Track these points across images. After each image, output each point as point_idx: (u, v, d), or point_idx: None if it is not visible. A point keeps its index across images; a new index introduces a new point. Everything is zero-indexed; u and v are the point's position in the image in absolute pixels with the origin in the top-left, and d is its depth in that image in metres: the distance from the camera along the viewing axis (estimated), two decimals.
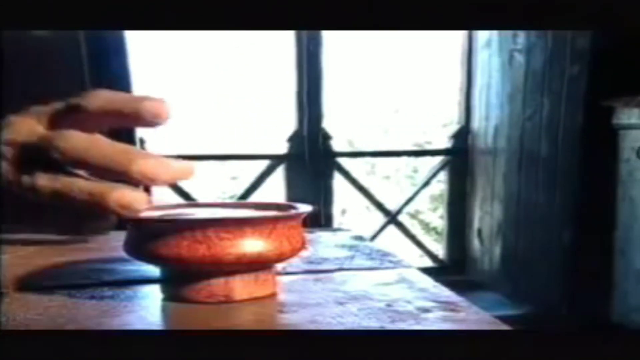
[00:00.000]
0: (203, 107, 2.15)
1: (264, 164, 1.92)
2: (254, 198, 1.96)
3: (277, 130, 1.97)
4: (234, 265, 0.35)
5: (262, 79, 2.14)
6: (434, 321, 0.32)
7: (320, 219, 1.90)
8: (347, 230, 0.61)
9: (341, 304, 0.36)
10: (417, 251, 2.20)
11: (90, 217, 0.36)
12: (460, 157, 2.08)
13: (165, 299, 0.37)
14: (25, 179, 0.35)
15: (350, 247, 0.52)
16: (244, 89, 2.19)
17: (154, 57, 1.82)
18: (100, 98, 0.37)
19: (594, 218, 1.62)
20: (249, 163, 2.02)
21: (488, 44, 1.92)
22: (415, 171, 3.00)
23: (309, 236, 0.58)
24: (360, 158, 2.53)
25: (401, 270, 0.44)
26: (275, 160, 1.91)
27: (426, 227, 3.11)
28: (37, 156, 0.35)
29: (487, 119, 1.95)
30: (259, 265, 0.36)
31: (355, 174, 2.08)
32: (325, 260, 0.48)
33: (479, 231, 2.03)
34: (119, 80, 1.59)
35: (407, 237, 2.19)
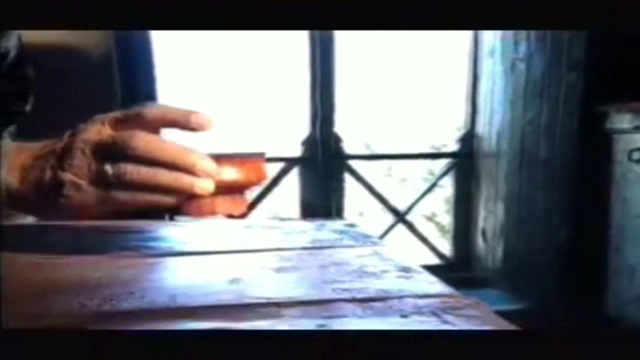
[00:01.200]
0: (219, 108, 2.27)
1: (278, 166, 2.04)
2: (270, 199, 2.08)
3: (292, 134, 2.09)
4: (217, 188, 0.49)
5: (276, 82, 2.26)
6: (390, 279, 0.44)
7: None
8: (343, 219, 0.73)
9: (325, 267, 0.48)
10: (426, 250, 2.31)
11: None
12: (465, 160, 2.18)
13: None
14: (109, 167, 0.47)
15: (341, 232, 0.64)
16: (258, 91, 2.31)
17: (172, 60, 1.95)
18: (159, 109, 0.49)
19: (590, 217, 1.71)
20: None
21: (492, 52, 2.02)
22: (432, 173, 3.09)
23: (307, 225, 0.70)
24: (377, 161, 2.63)
25: (376, 248, 0.55)
26: (290, 163, 2.03)
27: (442, 229, 3.20)
28: (111, 153, 0.47)
29: (491, 123, 2.05)
30: (233, 189, 0.51)
31: (371, 176, 2.20)
32: (319, 240, 0.60)
33: (483, 230, 2.13)
34: (146, 81, 1.72)
35: (416, 237, 2.30)
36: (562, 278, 1.78)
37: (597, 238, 1.69)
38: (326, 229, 0.66)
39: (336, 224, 0.69)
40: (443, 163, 2.29)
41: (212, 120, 0.51)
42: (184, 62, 2.07)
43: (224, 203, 0.51)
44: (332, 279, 0.44)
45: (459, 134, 2.23)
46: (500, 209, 2.03)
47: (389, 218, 2.26)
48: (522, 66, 1.88)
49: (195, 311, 0.37)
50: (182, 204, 0.50)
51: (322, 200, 2.05)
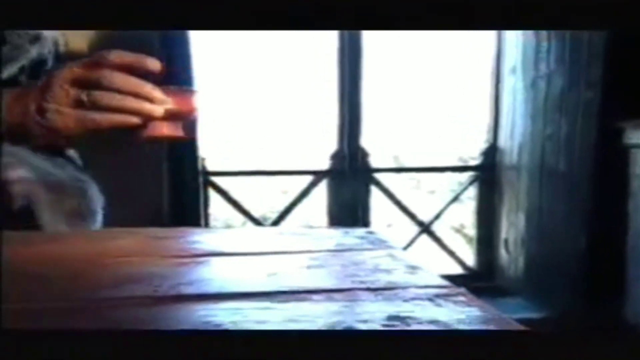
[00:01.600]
0: (251, 123, 2.40)
1: (308, 179, 2.15)
2: (299, 211, 2.19)
3: (320, 148, 2.20)
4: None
5: (306, 98, 2.37)
6: (398, 274, 0.54)
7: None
8: (365, 228, 0.83)
9: (346, 265, 0.58)
10: (451, 260, 2.38)
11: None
12: (488, 173, 2.26)
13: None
14: (84, 95, 0.62)
15: (362, 238, 0.74)
16: (289, 106, 2.43)
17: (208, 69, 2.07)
18: (119, 54, 0.65)
19: (609, 227, 1.77)
20: (295, 178, 2.26)
21: (513, 70, 2.10)
22: (460, 185, 3.16)
23: (333, 232, 0.79)
24: (405, 173, 2.72)
25: (390, 251, 0.65)
26: (319, 175, 2.14)
27: (470, 241, 3.27)
28: (85, 85, 0.61)
29: (512, 137, 2.13)
30: (173, 116, 0.67)
31: (400, 188, 2.29)
32: (343, 244, 0.70)
33: (506, 241, 2.20)
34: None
35: (440, 247, 2.38)
36: (581, 287, 1.84)
37: (615, 247, 1.75)
38: (349, 235, 0.76)
39: (358, 232, 0.79)
40: (470, 175, 2.37)
41: (162, 67, 0.67)
42: (219, 75, 2.19)
43: (169, 127, 0.67)
44: (352, 274, 0.55)
45: (482, 147, 2.31)
46: (521, 219, 2.10)
47: (417, 229, 2.35)
48: (542, 84, 1.95)
49: (243, 296, 0.48)
50: (139, 126, 0.66)
51: (349, 212, 2.15)
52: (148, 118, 0.66)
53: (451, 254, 2.37)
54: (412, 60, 2.44)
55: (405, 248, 2.22)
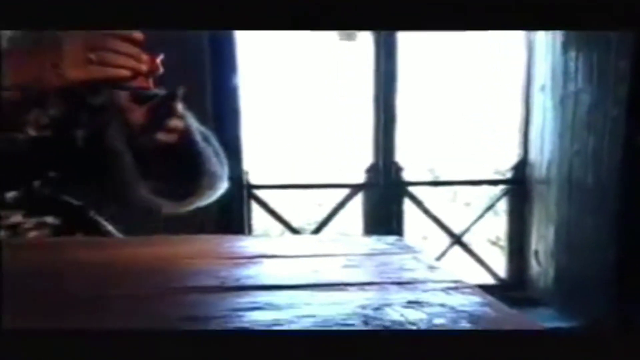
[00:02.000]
0: (289, 138, 2.54)
1: (344, 192, 2.27)
2: (335, 223, 2.31)
3: (356, 161, 2.32)
4: None
5: (342, 112, 2.50)
6: (419, 272, 0.65)
7: None
8: (395, 236, 0.95)
9: (377, 265, 0.70)
10: (483, 270, 2.46)
11: None
12: (519, 186, 2.34)
13: None
14: (93, 55, 0.85)
15: (391, 244, 0.85)
16: (328, 122, 2.56)
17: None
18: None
19: (636, 239, 1.84)
20: (331, 191, 2.38)
21: (543, 88, 2.19)
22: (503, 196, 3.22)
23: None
24: (440, 186, 2.81)
25: (415, 254, 0.76)
26: (354, 189, 2.25)
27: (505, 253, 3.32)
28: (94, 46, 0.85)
29: (542, 153, 2.20)
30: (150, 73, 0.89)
31: (436, 201, 2.39)
32: (375, 249, 0.82)
33: (536, 252, 2.27)
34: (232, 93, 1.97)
35: (473, 258, 2.46)
36: (611, 297, 1.90)
37: None
38: (380, 242, 0.87)
39: (388, 239, 0.91)
40: (505, 188, 2.45)
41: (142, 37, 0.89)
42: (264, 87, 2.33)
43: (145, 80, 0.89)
44: (381, 272, 0.66)
45: (513, 161, 2.39)
46: (551, 232, 2.17)
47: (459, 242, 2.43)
48: (570, 101, 2.03)
49: (293, 287, 0.60)
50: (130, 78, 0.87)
51: (383, 224, 2.26)
52: (136, 73, 0.88)
53: (483, 264, 2.44)
54: (446, 75, 2.54)
55: (438, 259, 2.31)
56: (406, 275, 0.64)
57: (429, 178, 2.83)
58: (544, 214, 2.22)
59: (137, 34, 0.91)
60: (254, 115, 2.13)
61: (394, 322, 0.48)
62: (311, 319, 0.49)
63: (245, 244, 0.88)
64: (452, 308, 0.51)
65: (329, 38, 2.29)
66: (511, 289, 2.35)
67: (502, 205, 2.48)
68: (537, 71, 2.21)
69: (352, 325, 0.48)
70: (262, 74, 2.20)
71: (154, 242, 1.01)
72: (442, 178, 2.91)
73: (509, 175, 2.39)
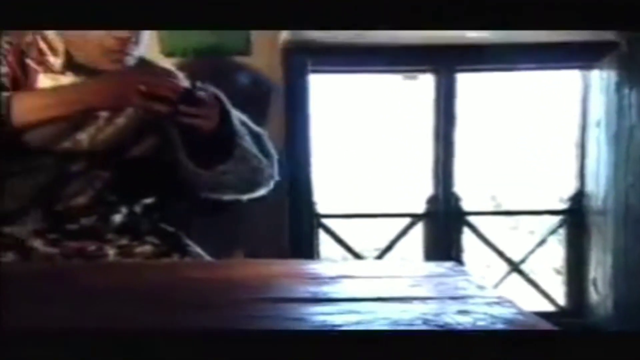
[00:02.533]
0: (354, 169, 2.73)
1: (405, 221, 2.42)
2: (395, 252, 2.46)
3: (417, 192, 2.47)
4: None
5: (404, 145, 2.66)
6: (469, 290, 0.81)
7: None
8: (452, 262, 1.10)
9: (435, 285, 0.86)
10: (542, 298, 2.53)
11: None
12: (576, 216, 2.42)
13: None
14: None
15: (448, 268, 1.02)
16: (389, 153, 2.73)
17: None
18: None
19: None
20: (393, 220, 2.53)
21: (598, 123, 2.29)
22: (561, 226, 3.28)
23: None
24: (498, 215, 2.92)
25: (467, 277, 0.92)
26: (415, 218, 2.40)
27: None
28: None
29: (598, 184, 2.29)
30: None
31: (499, 229, 2.51)
32: (434, 272, 0.98)
33: (594, 280, 2.34)
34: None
35: (532, 286, 2.54)
36: None
37: None
38: (439, 267, 1.04)
39: (446, 264, 1.07)
40: (563, 218, 2.53)
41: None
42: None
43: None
44: (439, 289, 0.83)
45: (571, 192, 2.48)
46: (609, 260, 2.24)
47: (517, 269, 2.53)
48: (624, 137, 2.13)
49: (367, 300, 0.77)
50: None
51: (443, 252, 2.39)
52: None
53: (542, 292, 2.52)
54: (504, 110, 2.68)
55: (496, 285, 2.42)
56: (459, 292, 0.80)
57: (491, 206, 2.94)
58: (601, 243, 2.29)
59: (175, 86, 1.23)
60: (323, 151, 2.33)
61: (446, 324, 0.65)
62: (385, 321, 0.67)
63: (324, 267, 1.06)
64: (492, 315, 0.67)
65: (393, 79, 2.48)
66: (571, 316, 2.42)
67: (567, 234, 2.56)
68: (592, 107, 2.31)
69: (415, 325, 0.65)
70: (331, 111, 2.41)
71: (241, 264, 1.22)
72: (504, 206, 3.00)
73: (566, 205, 2.48)
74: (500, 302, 0.73)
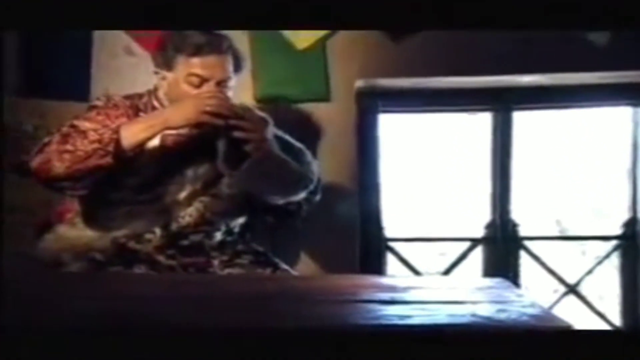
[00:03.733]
0: (418, 196, 2.98)
1: (465, 245, 2.64)
2: (456, 273, 2.67)
3: (477, 218, 2.69)
4: None
5: (465, 175, 2.89)
6: (510, 297, 1.07)
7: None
8: (500, 278, 1.35)
9: (484, 293, 1.12)
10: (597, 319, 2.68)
11: None
12: (629, 242, 2.58)
13: None
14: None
15: (497, 282, 1.26)
16: (450, 182, 2.96)
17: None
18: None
19: None
20: (454, 244, 2.76)
21: None
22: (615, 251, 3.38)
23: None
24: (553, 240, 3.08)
25: (512, 288, 1.17)
26: (474, 242, 2.62)
27: None
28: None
29: None
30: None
31: (564, 256, 2.69)
32: (484, 285, 1.23)
33: None
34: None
35: (589, 308, 2.70)
36: None
37: None
38: (488, 281, 1.29)
39: (495, 279, 1.32)
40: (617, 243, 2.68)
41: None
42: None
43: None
44: (486, 296, 1.08)
45: (624, 218, 2.64)
46: None
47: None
48: None
49: (431, 303, 1.04)
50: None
51: (501, 274, 2.58)
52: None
53: (599, 314, 2.67)
54: (558, 144, 2.87)
55: (551, 307, 2.59)
56: (501, 298, 1.06)
57: (557, 230, 3.10)
58: None
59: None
60: (393, 181, 2.60)
61: (488, 317, 0.90)
62: (443, 315, 0.93)
63: (395, 280, 1.34)
64: (524, 313, 0.92)
65: (455, 116, 2.73)
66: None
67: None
68: None
69: (465, 318, 0.91)
70: (400, 146, 2.68)
71: (326, 278, 1.51)
72: (569, 231, 3.15)
73: (620, 231, 2.63)
74: (534, 305, 0.98)
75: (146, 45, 2.14)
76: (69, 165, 1.56)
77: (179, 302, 1.02)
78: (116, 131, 1.59)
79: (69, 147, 1.57)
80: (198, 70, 1.67)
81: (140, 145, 1.64)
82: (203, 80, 1.67)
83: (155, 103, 1.80)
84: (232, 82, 1.74)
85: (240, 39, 2.13)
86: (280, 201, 1.80)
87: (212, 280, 1.52)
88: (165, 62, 1.72)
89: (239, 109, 1.66)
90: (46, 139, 1.65)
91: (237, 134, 1.63)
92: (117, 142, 1.57)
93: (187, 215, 1.78)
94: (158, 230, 1.75)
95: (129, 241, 1.72)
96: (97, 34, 2.21)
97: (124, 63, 2.22)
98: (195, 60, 1.66)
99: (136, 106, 1.78)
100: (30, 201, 2.07)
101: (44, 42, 2.18)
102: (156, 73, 1.76)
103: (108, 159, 1.55)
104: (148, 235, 1.74)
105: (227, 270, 1.78)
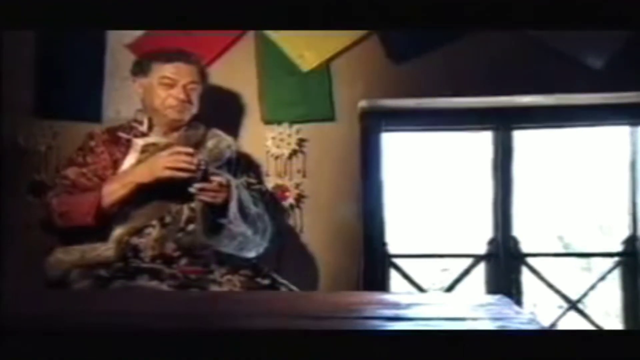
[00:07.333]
0: (423, 214, 3.02)
1: (468, 261, 2.69)
2: (459, 289, 2.71)
3: (479, 234, 2.73)
4: None
5: (466, 193, 2.94)
6: (509, 313, 1.11)
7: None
8: (499, 295, 1.39)
9: (484, 310, 1.16)
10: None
11: None
12: (630, 258, 2.62)
13: None
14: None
15: (497, 299, 1.31)
16: (452, 200, 3.01)
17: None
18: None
19: None
20: (457, 260, 2.80)
21: None
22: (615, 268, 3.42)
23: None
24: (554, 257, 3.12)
25: (510, 305, 1.22)
26: (477, 259, 2.66)
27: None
28: None
29: None
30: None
31: (569, 272, 2.73)
32: (485, 301, 1.28)
33: None
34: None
35: (590, 323, 2.73)
36: None
37: None
38: (489, 298, 1.33)
39: (495, 296, 1.36)
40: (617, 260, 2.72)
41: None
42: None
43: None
44: (486, 312, 1.13)
45: (624, 236, 2.68)
46: None
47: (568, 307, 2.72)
48: None
49: (433, 319, 1.08)
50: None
51: (503, 290, 2.62)
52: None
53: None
54: (558, 163, 2.91)
55: (553, 323, 2.62)
56: (500, 315, 1.10)
57: (560, 246, 3.14)
58: None
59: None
60: (396, 198, 2.65)
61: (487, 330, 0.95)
62: (446, 328, 0.98)
63: (399, 297, 1.38)
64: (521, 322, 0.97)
65: (457, 135, 2.78)
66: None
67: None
68: None
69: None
70: (402, 164, 2.73)
71: (325, 295, 1.55)
72: (572, 247, 3.19)
73: (620, 248, 2.67)
74: (531, 322, 1.03)
75: None
76: (67, 224, 1.88)
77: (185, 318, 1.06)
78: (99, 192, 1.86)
79: (63, 208, 1.86)
80: (169, 74, 1.95)
81: (119, 203, 1.85)
82: (173, 83, 1.94)
83: (134, 124, 2.04)
84: (199, 89, 2.01)
85: (247, 62, 2.21)
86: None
87: (214, 296, 1.56)
88: (142, 69, 2.01)
89: (203, 163, 1.85)
90: (50, 193, 1.93)
91: (202, 197, 1.85)
92: (99, 204, 1.83)
93: (192, 232, 1.88)
94: (156, 223, 1.89)
95: (131, 237, 1.86)
96: (110, 56, 2.28)
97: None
98: (168, 65, 1.96)
99: (117, 139, 2.00)
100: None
101: (57, 64, 2.25)
102: (133, 81, 2.04)
103: (89, 220, 1.83)
104: (147, 230, 1.88)
105: (226, 277, 1.86)
